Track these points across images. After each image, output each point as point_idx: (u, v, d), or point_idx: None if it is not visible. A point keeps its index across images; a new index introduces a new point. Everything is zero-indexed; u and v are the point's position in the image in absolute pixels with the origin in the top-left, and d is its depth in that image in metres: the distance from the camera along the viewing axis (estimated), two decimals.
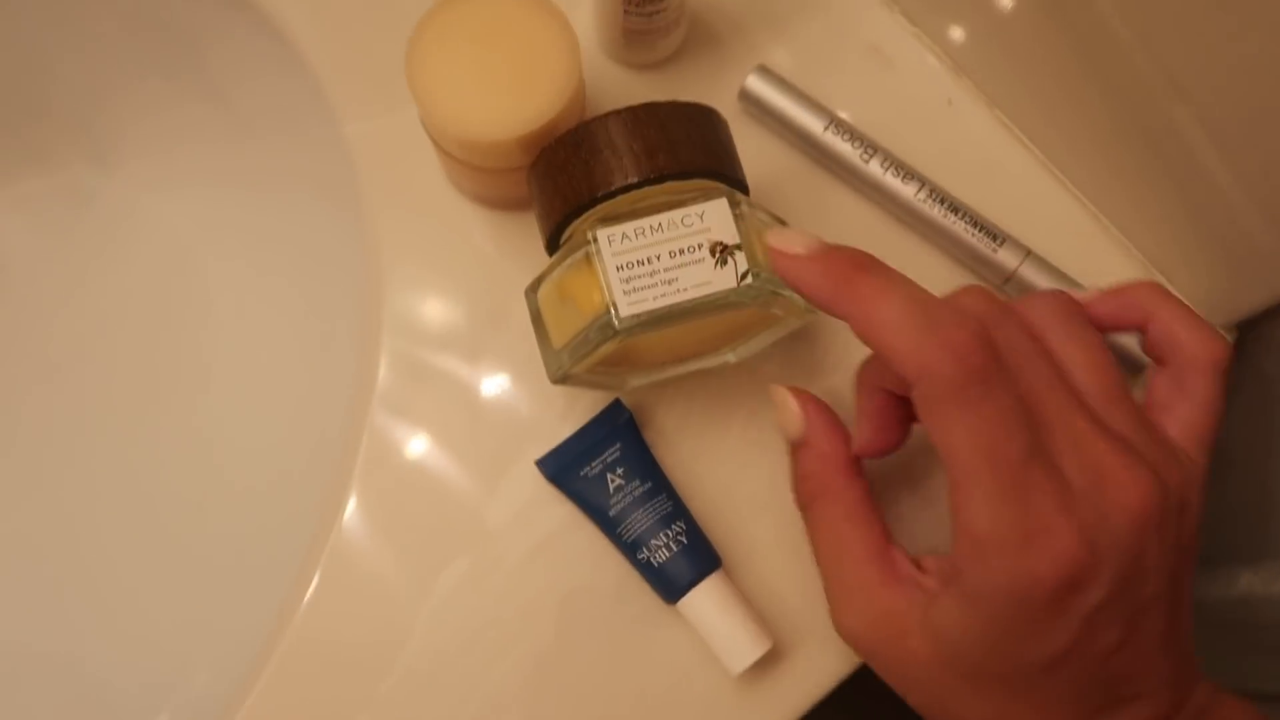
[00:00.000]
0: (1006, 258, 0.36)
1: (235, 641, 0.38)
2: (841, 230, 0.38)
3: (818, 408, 0.32)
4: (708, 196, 0.30)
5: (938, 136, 0.39)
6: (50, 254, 0.59)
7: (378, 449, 0.36)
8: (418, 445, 0.36)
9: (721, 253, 0.29)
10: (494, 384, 0.37)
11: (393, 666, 0.34)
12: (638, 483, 0.34)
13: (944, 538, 0.27)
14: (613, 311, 0.29)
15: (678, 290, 0.29)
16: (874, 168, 0.37)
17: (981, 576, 0.25)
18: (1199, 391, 0.28)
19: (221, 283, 0.57)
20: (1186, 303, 0.29)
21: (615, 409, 0.35)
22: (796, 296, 0.30)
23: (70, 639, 0.49)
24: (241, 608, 0.40)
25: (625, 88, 0.39)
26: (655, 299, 0.29)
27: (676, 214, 0.30)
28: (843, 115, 0.38)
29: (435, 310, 0.38)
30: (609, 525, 0.34)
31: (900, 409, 0.31)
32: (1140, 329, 0.29)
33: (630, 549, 0.33)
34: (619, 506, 0.33)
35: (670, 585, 0.33)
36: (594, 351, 0.30)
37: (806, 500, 0.31)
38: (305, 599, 0.35)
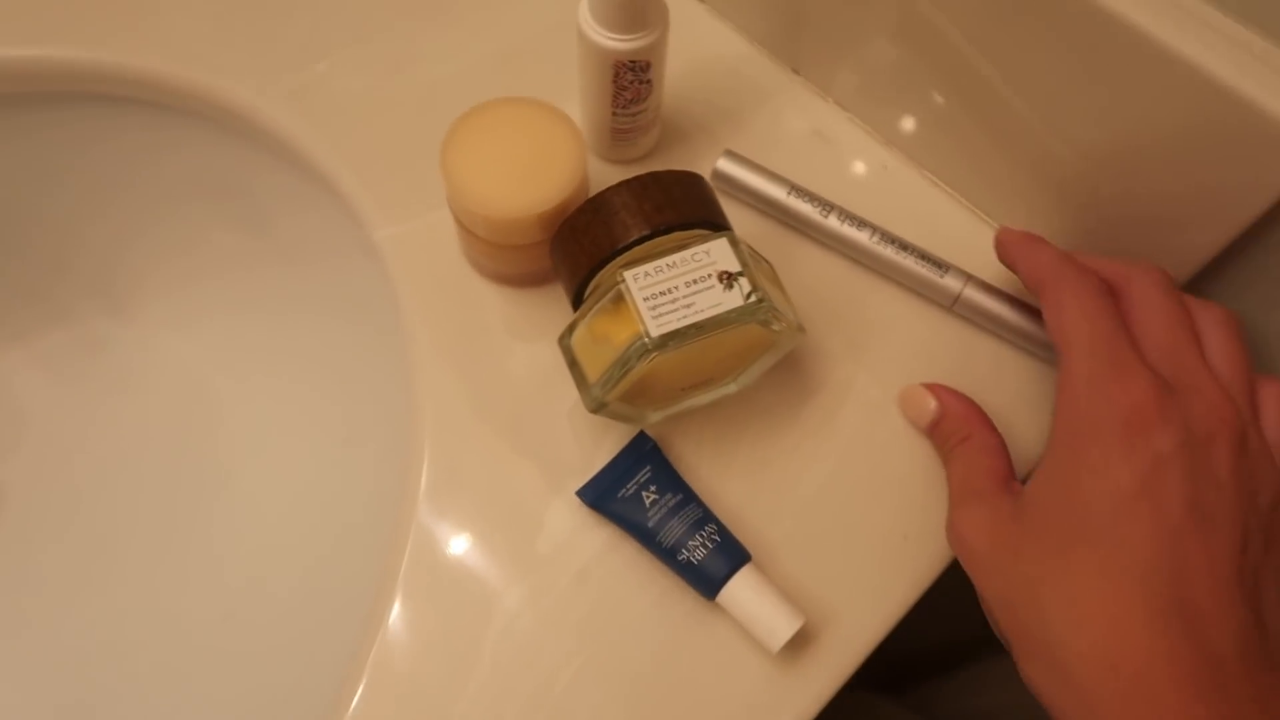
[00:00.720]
0: (951, 282, 0.43)
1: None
2: (811, 276, 0.44)
3: (941, 386, 0.41)
4: (711, 237, 0.36)
5: (879, 195, 0.46)
6: (70, 403, 0.62)
7: (425, 540, 0.40)
8: (468, 510, 0.40)
9: (728, 279, 0.36)
10: (529, 435, 0.42)
11: (465, 688, 0.37)
12: (670, 495, 0.39)
13: None
14: (645, 333, 0.35)
15: (696, 311, 0.35)
16: (832, 221, 0.44)
17: (1070, 411, 0.31)
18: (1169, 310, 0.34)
19: (241, 403, 0.61)
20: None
21: (641, 438, 0.41)
22: (791, 315, 0.36)
23: None
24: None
25: (615, 180, 0.46)
26: (678, 320, 0.35)
27: (688, 252, 0.36)
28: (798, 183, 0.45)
29: (469, 374, 0.43)
30: (648, 536, 0.38)
31: None
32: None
33: (670, 553, 0.38)
34: (656, 518, 0.38)
35: (709, 581, 0.37)
36: (627, 375, 0.36)
37: (956, 443, 0.38)
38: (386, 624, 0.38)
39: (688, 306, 0.35)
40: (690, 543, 0.38)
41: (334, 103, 0.48)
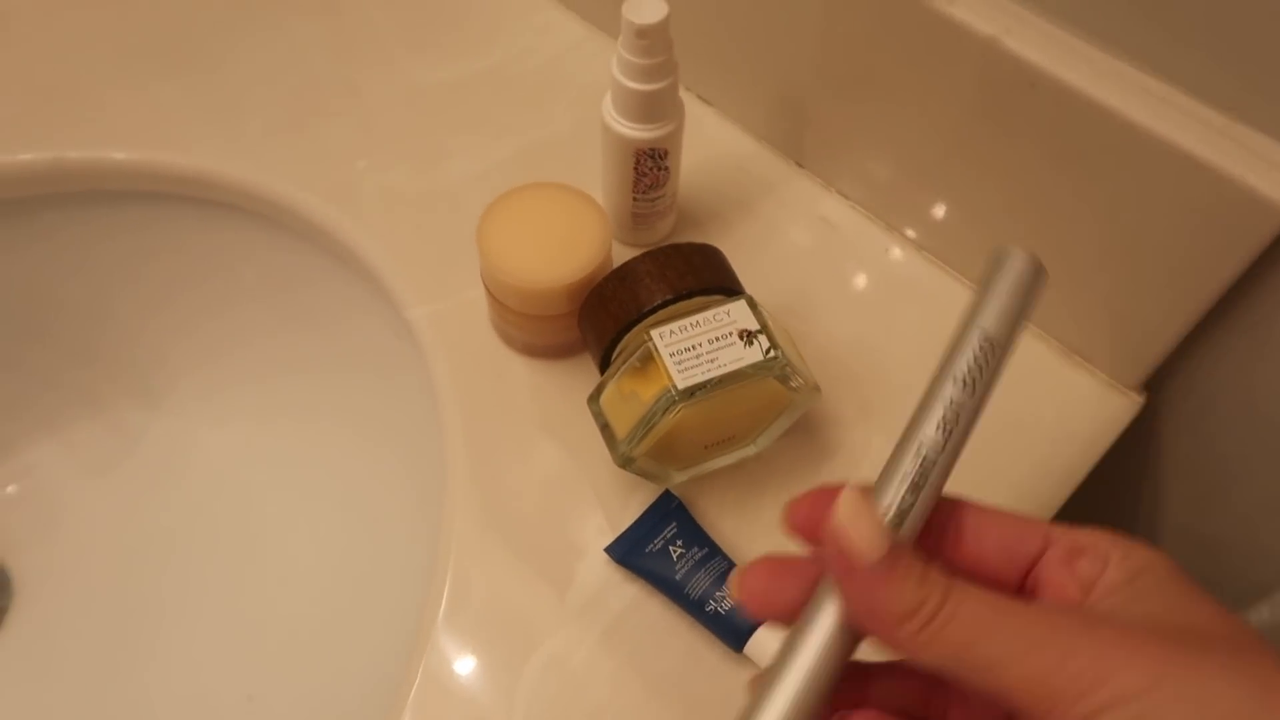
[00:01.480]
0: None
1: None
2: (826, 339, 0.47)
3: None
4: (731, 299, 0.39)
5: (880, 273, 0.49)
6: (100, 492, 0.63)
7: (459, 595, 0.41)
8: (499, 569, 0.42)
9: (748, 336, 0.38)
10: (556, 497, 0.43)
11: None
12: (696, 549, 0.40)
13: None
14: (672, 386, 0.37)
15: (719, 365, 0.37)
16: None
17: None
18: None
19: (272, 490, 0.62)
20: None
21: (666, 497, 0.42)
22: (808, 374, 0.38)
23: None
24: None
25: None
26: (703, 373, 0.37)
27: (710, 313, 0.39)
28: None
29: (497, 440, 0.44)
30: (676, 589, 0.39)
31: None
32: None
33: (698, 605, 0.39)
34: (683, 571, 0.39)
35: (737, 631, 0.38)
36: (655, 428, 0.38)
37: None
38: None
39: (711, 361, 0.37)
40: (717, 594, 0.39)
41: (370, 196, 0.51)
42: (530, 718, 0.38)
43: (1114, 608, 0.23)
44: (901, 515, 0.24)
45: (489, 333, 0.47)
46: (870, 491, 0.25)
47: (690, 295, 0.40)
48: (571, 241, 0.43)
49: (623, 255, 0.48)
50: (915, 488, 0.24)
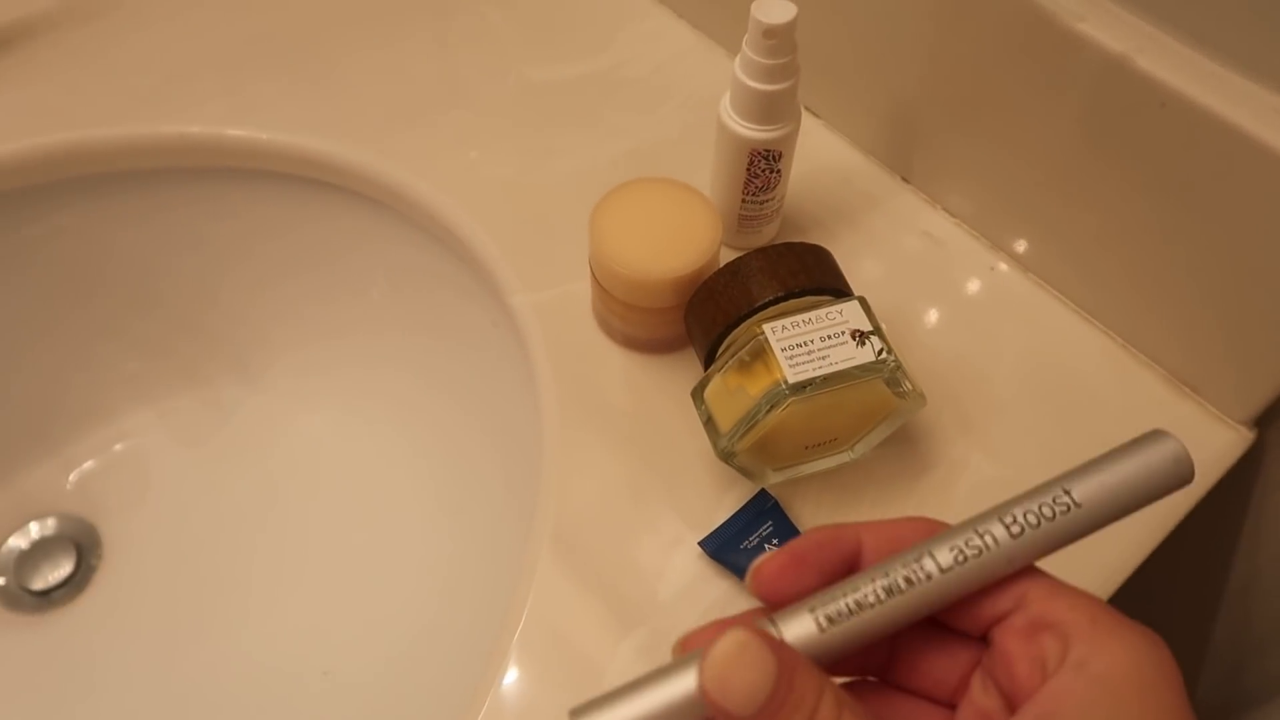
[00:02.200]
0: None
1: None
2: (924, 351, 0.47)
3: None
4: (843, 299, 0.39)
5: (983, 290, 0.49)
6: (192, 463, 0.65)
7: (547, 582, 0.42)
8: (591, 555, 0.42)
9: (860, 337, 0.38)
10: (652, 488, 0.43)
11: None
12: None
13: None
14: (783, 380, 0.37)
15: (830, 364, 0.37)
16: None
17: None
18: None
19: (361, 468, 0.63)
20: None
21: (763, 495, 0.42)
22: (915, 381, 0.38)
23: None
24: None
25: None
26: (814, 370, 0.37)
27: (822, 310, 0.39)
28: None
29: (592, 428, 0.45)
30: None
31: None
32: None
33: None
34: None
35: None
36: (761, 423, 0.38)
37: None
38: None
39: (823, 358, 0.37)
40: None
41: (481, 186, 0.53)
42: None
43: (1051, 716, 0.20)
44: (840, 618, 0.22)
45: (590, 324, 0.48)
46: (754, 637, 0.21)
47: (802, 294, 0.40)
48: (683, 236, 0.43)
49: (726, 257, 0.49)
50: (877, 601, 0.23)
